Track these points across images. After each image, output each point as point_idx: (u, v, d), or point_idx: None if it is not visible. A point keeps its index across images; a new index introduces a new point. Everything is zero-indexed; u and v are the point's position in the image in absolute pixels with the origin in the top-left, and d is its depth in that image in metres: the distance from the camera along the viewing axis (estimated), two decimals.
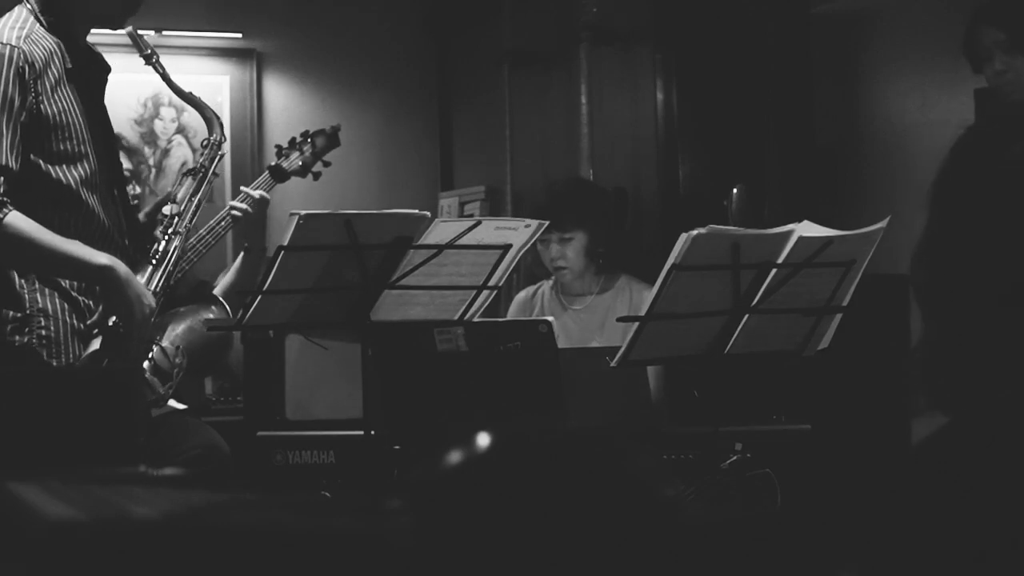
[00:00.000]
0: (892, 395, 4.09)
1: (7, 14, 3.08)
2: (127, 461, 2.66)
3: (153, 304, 3.07)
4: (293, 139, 4.13)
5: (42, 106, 2.97)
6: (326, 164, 4.12)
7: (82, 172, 3.05)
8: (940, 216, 1.66)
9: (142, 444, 2.86)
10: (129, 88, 5.65)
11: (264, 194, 3.79)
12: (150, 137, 5.93)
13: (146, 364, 3.29)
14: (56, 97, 3.01)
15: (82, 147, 3.06)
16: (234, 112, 6.05)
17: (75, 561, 0.92)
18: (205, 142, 3.52)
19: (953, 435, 1.69)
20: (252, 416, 4.55)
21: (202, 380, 5.00)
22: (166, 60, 3.65)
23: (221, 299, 3.91)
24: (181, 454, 3.82)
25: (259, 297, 3.21)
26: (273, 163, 4.03)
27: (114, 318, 3.01)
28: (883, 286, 3.55)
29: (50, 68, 3.00)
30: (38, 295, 2.97)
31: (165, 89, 3.63)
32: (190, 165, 3.43)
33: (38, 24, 3.03)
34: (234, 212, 3.72)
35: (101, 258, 2.97)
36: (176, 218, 3.33)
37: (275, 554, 0.91)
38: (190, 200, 3.38)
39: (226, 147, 3.51)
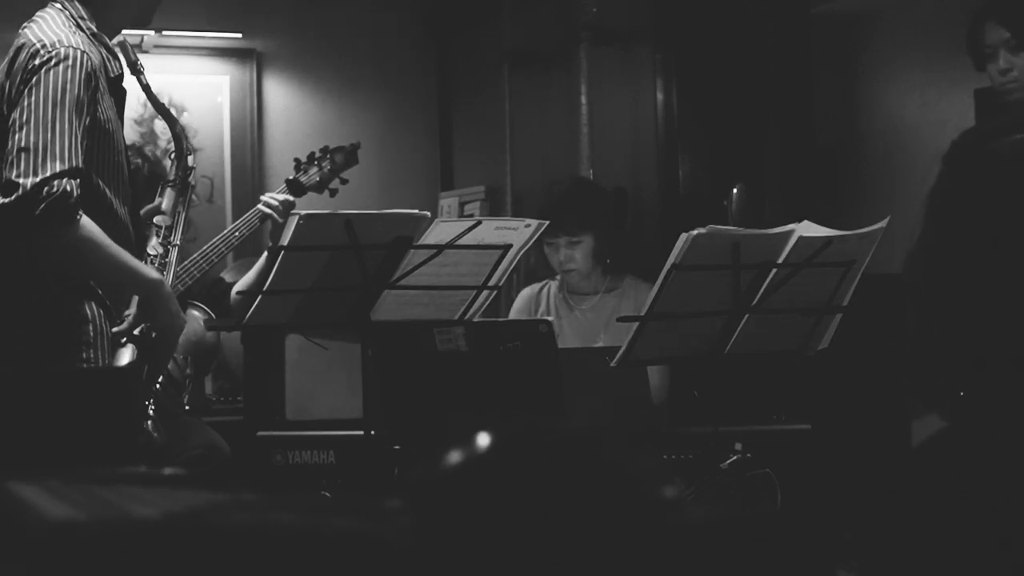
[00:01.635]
0: (892, 395, 4.09)
1: (42, 17, 3.06)
2: (127, 461, 2.66)
3: (185, 320, 3.13)
4: (312, 154, 4.15)
5: (96, 114, 2.99)
6: (343, 181, 4.14)
7: (117, 182, 3.07)
8: (935, 219, 1.67)
9: (142, 444, 2.86)
10: (129, 88, 5.63)
11: (289, 197, 3.86)
12: (150, 137, 5.92)
13: (161, 377, 3.32)
14: (104, 106, 3.03)
15: (119, 157, 3.09)
16: (234, 112, 6.05)
17: (75, 561, 0.92)
18: (172, 155, 3.51)
19: (953, 435, 1.69)
20: (252, 416, 4.55)
21: (202, 380, 5.00)
22: (166, 60, 3.65)
23: (198, 303, 3.93)
24: (181, 454, 3.83)
25: (259, 297, 3.21)
26: (291, 177, 4.05)
27: (142, 326, 3.05)
28: (883, 286, 3.55)
29: (101, 76, 3.03)
30: (78, 300, 2.98)
31: (165, 89, 3.64)
32: (185, 207, 3.44)
33: (80, 31, 3.04)
34: (264, 208, 3.79)
35: (152, 272, 3.04)
36: (170, 229, 3.35)
37: (275, 554, 0.91)
38: (177, 212, 3.40)
39: (191, 160, 3.49)
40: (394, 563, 0.89)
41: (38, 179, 2.81)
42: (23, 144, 2.84)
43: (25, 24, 3.08)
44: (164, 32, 5.79)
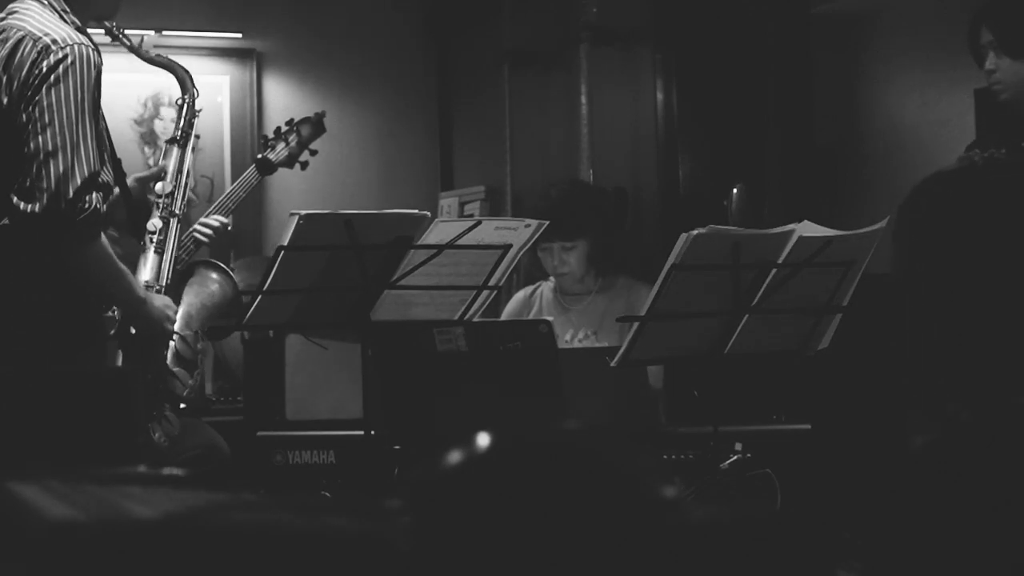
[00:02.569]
0: (892, 395, 4.09)
1: (27, 9, 2.96)
2: (127, 461, 2.66)
3: (174, 311, 3.13)
4: (278, 129, 4.10)
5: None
6: (313, 153, 4.09)
7: (107, 176, 3.06)
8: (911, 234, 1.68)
9: (142, 444, 2.86)
10: (129, 88, 5.64)
11: (224, 220, 3.76)
12: (150, 137, 5.92)
13: (170, 358, 3.31)
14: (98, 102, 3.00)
15: (105, 153, 3.07)
16: (234, 112, 6.05)
17: (75, 561, 0.92)
18: (179, 101, 3.45)
19: (952, 436, 1.69)
20: (252, 416, 4.54)
21: (202, 380, 5.00)
22: None
23: (222, 265, 3.86)
24: (181, 454, 3.83)
25: (259, 297, 3.21)
26: (259, 155, 4.01)
27: (131, 328, 3.06)
28: (883, 286, 3.56)
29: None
30: (78, 300, 2.97)
31: (165, 89, 3.61)
32: (189, 165, 3.41)
33: (64, 24, 2.98)
34: (196, 235, 3.70)
35: (140, 290, 3.04)
36: (171, 198, 3.33)
37: (275, 554, 0.91)
38: (178, 175, 3.37)
39: (200, 103, 3.44)
40: (394, 563, 0.88)
41: (71, 193, 2.75)
42: (50, 147, 2.77)
43: (7, 15, 2.98)
44: (164, 32, 5.78)
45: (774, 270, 3.16)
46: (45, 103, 2.81)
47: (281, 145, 4.04)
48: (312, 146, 4.09)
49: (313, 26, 6.22)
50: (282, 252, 3.16)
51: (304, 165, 4.09)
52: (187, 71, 3.46)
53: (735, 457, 3.39)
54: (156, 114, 5.95)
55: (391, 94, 6.34)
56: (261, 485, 3.81)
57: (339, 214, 3.23)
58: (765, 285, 3.18)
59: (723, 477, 3.32)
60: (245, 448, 3.99)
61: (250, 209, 5.91)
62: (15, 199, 2.78)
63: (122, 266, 2.97)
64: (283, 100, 6.18)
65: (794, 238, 3.15)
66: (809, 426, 3.70)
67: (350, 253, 3.21)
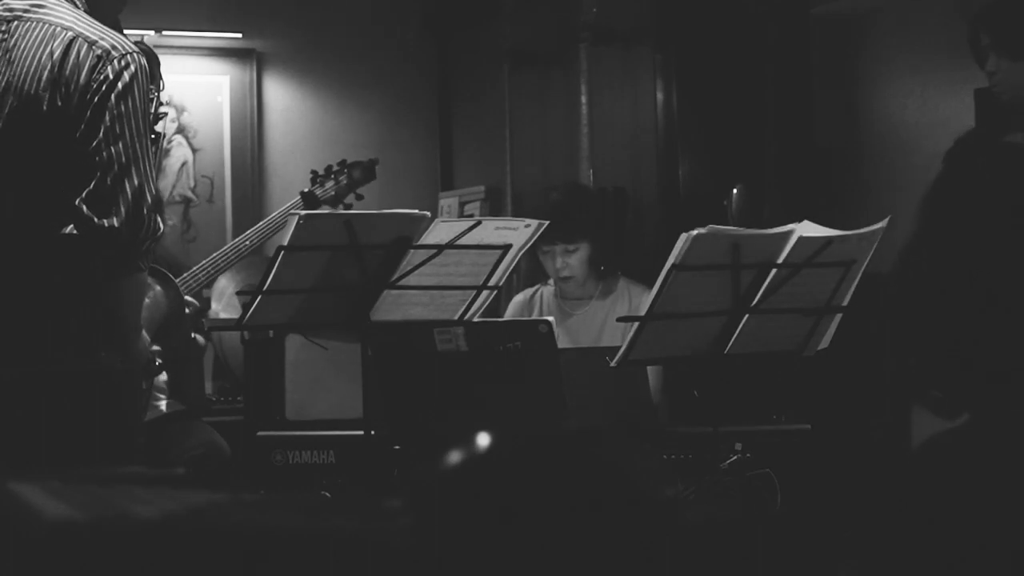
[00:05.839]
0: (892, 392, 4.09)
1: (56, 4, 2.77)
2: (127, 461, 2.65)
3: (151, 352, 3.11)
4: (329, 167, 4.10)
5: None
6: (359, 197, 4.09)
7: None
8: (935, 213, 1.67)
9: (142, 444, 2.86)
10: None
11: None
12: None
13: None
14: None
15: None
16: (234, 112, 6.05)
17: (75, 561, 0.92)
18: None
19: (951, 436, 1.70)
20: (252, 416, 4.55)
21: (202, 381, 5.00)
22: (166, 60, 3.54)
23: (160, 268, 3.83)
24: (181, 454, 3.83)
25: (259, 297, 3.22)
26: (306, 189, 4.01)
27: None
28: (883, 286, 3.56)
29: None
30: (86, 298, 2.92)
31: (165, 89, 3.48)
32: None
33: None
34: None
35: (142, 331, 3.00)
36: None
37: (275, 554, 0.91)
38: None
39: (164, 96, 3.31)
40: (394, 563, 0.89)
41: (146, 210, 2.62)
42: (124, 160, 2.59)
43: (29, 7, 2.77)
44: (164, 32, 5.79)
45: (774, 270, 3.16)
46: (116, 112, 2.66)
47: (330, 183, 4.04)
48: (360, 190, 4.09)
49: (313, 26, 6.22)
50: (282, 252, 3.16)
51: (348, 207, 4.07)
52: (159, 66, 3.31)
53: (735, 457, 3.40)
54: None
55: (391, 94, 6.34)
56: (261, 485, 3.81)
57: (339, 214, 3.23)
58: (765, 285, 3.18)
59: (723, 477, 3.32)
60: (245, 448, 3.99)
61: (250, 209, 5.92)
62: (86, 210, 2.63)
63: (143, 301, 2.90)
64: (283, 100, 6.19)
65: (794, 238, 3.15)
66: (809, 426, 3.71)
67: (350, 253, 3.21)
